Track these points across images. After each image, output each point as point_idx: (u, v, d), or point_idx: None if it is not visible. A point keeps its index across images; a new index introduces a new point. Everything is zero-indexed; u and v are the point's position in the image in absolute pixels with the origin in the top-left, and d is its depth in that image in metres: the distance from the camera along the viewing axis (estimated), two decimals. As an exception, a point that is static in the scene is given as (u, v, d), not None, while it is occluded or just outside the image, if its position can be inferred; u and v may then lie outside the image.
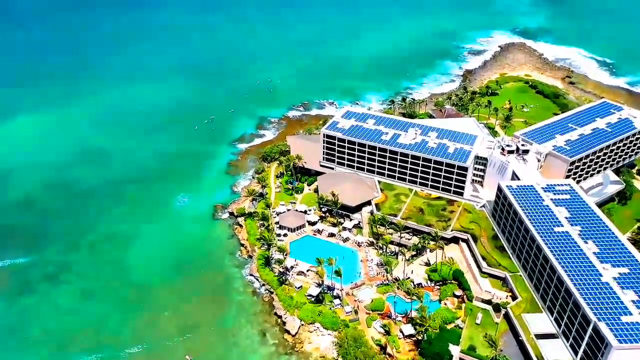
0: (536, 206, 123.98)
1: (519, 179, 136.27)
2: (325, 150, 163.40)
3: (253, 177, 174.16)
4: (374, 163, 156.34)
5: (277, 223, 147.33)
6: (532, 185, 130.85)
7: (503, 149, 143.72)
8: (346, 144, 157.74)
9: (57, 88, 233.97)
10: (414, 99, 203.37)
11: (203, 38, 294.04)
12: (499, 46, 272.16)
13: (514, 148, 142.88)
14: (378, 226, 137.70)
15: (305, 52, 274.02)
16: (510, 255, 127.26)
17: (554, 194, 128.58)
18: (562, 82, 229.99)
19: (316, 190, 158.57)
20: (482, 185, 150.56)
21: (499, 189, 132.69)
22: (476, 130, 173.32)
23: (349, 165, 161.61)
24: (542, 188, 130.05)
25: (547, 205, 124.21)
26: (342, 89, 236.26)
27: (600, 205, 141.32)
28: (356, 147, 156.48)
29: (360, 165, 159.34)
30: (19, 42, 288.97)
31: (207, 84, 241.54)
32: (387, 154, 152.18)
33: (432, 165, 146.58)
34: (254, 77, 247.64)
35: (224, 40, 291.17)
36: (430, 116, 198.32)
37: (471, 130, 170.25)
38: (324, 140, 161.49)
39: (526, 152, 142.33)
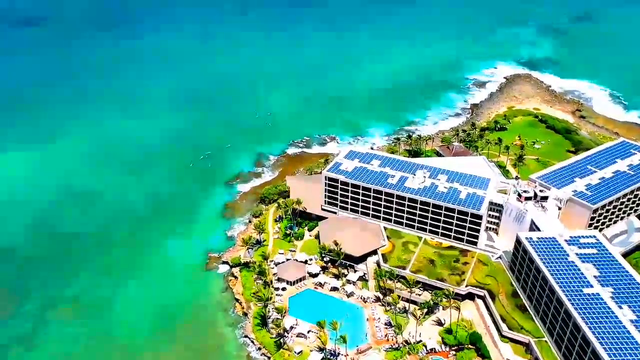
0: (561, 262, 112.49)
1: (538, 229, 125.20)
2: (327, 194, 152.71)
3: (250, 221, 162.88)
4: (379, 208, 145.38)
5: (275, 274, 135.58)
6: (554, 238, 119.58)
7: (520, 195, 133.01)
8: (349, 188, 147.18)
9: (44, 121, 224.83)
10: (419, 136, 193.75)
11: (200, 65, 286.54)
12: (505, 77, 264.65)
13: (531, 194, 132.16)
14: (386, 280, 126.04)
15: (306, 82, 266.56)
16: (534, 317, 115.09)
17: (579, 247, 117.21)
18: (572, 116, 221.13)
19: (317, 237, 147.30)
20: (497, 234, 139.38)
21: (518, 241, 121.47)
22: (487, 170, 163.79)
23: (352, 210, 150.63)
24: (566, 241, 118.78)
25: (573, 262, 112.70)
26: (344, 122, 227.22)
27: (625, 255, 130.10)
28: (360, 191, 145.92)
29: (365, 211, 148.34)
30: (4, 70, 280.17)
31: (204, 115, 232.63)
32: (394, 199, 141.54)
33: (443, 212, 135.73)
34: (253, 108, 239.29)
35: (222, 67, 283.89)
36: (438, 153, 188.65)
37: (482, 170, 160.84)
38: (325, 183, 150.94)
39: (545, 198, 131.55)
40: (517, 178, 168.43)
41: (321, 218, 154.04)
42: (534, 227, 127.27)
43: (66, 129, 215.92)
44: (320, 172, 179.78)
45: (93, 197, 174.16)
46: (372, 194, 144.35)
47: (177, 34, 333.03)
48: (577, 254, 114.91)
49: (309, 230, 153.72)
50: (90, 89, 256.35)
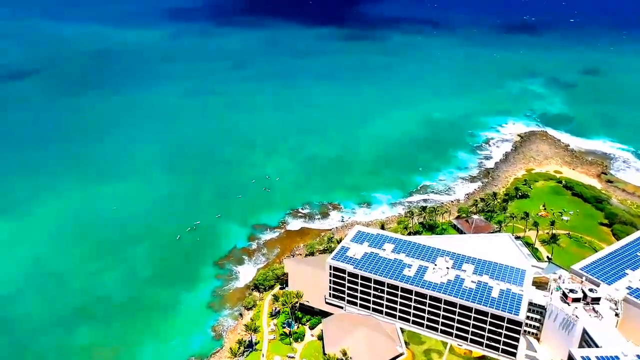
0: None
1: (593, 341, 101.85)
2: (332, 285, 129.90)
3: (241, 315, 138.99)
4: (395, 306, 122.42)
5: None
6: (617, 358, 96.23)
7: (565, 295, 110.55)
8: (359, 280, 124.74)
9: (10, 190, 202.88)
10: (434, 208, 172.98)
11: (191, 124, 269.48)
12: (519, 135, 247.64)
13: (579, 294, 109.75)
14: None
15: (307, 141, 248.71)
16: None
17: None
18: (598, 180, 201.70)
19: (320, 338, 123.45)
20: (538, 340, 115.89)
21: (571, 358, 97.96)
22: (516, 251, 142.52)
23: (362, 306, 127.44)
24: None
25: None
26: (348, 187, 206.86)
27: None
28: (372, 284, 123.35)
29: (378, 307, 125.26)
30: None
31: (194, 180, 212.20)
32: (413, 296, 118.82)
33: (472, 314, 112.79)
34: (249, 171, 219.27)
35: (214, 126, 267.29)
36: (455, 227, 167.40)
37: (510, 252, 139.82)
38: (331, 273, 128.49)
39: (597, 300, 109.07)
40: (549, 259, 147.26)
41: (325, 314, 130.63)
42: (587, 338, 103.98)
43: (37, 200, 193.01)
44: (323, 251, 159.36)
45: (61, 284, 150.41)
46: (386, 288, 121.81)
47: (167, 90, 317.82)
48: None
49: (311, 328, 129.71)
50: (69, 152, 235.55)
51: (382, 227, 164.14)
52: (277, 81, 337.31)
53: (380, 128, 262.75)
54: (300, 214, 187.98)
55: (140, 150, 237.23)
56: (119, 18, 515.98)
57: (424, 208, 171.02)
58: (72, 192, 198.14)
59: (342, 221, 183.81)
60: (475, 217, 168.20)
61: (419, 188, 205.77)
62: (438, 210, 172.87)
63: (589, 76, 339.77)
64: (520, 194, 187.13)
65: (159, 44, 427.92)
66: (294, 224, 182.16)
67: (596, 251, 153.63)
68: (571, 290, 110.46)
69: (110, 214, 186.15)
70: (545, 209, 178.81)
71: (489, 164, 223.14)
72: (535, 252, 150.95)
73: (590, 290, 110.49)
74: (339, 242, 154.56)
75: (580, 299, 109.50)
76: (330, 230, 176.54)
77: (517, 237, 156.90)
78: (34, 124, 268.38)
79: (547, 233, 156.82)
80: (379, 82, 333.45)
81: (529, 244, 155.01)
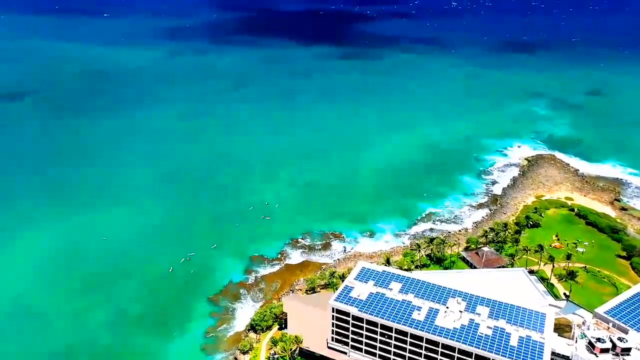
0: None
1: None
2: (335, 329, 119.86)
3: (236, 359, 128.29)
4: (404, 353, 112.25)
5: None
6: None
7: (592, 345, 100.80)
8: (364, 324, 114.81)
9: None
10: (442, 240, 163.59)
11: (189, 147, 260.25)
12: (526, 159, 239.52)
13: (608, 344, 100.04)
14: None
15: (307, 165, 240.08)
16: None
17: None
18: (612, 208, 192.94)
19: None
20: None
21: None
22: (531, 289, 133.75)
23: (368, 352, 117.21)
24: None
25: None
26: (350, 215, 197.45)
27: None
28: (378, 329, 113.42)
29: (385, 354, 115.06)
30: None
31: (190, 207, 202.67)
32: (424, 343, 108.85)
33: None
34: (247, 198, 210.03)
35: (213, 149, 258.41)
36: (465, 260, 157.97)
37: (525, 290, 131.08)
38: (333, 315, 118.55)
39: (628, 351, 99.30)
40: (566, 296, 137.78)
41: (327, 359, 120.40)
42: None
43: (21, 230, 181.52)
44: (325, 286, 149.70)
45: (40, 327, 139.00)
46: (394, 334, 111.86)
47: (163, 112, 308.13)
48: None
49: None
50: (57, 178, 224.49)
51: (388, 262, 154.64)
52: (275, 102, 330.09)
53: (382, 151, 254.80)
54: (300, 244, 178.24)
55: (133, 175, 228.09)
56: (116, 38, 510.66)
57: (431, 240, 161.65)
58: (59, 221, 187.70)
59: (345, 252, 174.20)
60: (485, 249, 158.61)
61: (424, 215, 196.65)
62: (446, 242, 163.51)
63: (594, 97, 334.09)
64: (531, 222, 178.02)
65: (155, 64, 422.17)
66: (294, 256, 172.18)
67: (615, 286, 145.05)
68: (598, 340, 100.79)
69: (99, 244, 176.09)
70: (558, 239, 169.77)
71: (497, 189, 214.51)
72: (551, 289, 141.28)
73: (620, 339, 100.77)
74: (341, 277, 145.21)
75: (609, 349, 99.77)
76: (332, 262, 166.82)
77: (531, 272, 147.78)
78: (23, 147, 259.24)
79: (564, 268, 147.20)
80: (379, 102, 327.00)
81: (544, 279, 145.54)
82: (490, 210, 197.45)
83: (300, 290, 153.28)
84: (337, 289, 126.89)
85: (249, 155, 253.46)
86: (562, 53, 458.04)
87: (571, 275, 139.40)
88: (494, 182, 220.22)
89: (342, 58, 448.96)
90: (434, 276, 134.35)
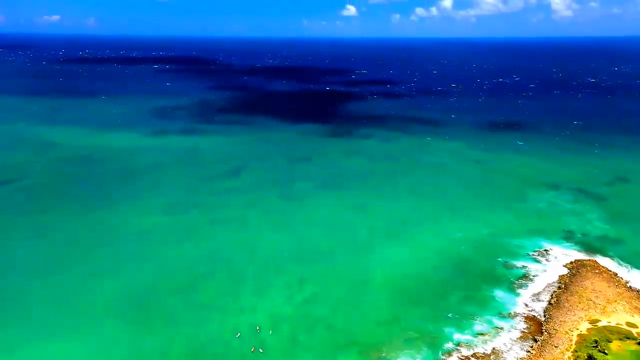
0: None
1: None
2: None
3: None
4: None
5: None
6: None
7: None
8: None
9: None
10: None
11: (171, 248, 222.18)
12: (564, 266, 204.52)
13: None
14: None
15: (307, 273, 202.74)
16: None
17: None
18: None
19: None
20: None
21: None
22: None
23: None
24: None
25: None
26: (360, 345, 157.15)
27: None
28: None
29: None
30: None
31: (164, 335, 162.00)
32: None
33: None
34: (234, 319, 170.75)
35: (199, 251, 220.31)
36: None
37: None
38: None
39: None
40: None
41: None
42: None
43: None
44: None
45: None
46: None
47: (145, 205, 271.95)
48: None
49: None
50: (7, 292, 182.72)
51: None
52: (271, 191, 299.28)
53: (393, 254, 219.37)
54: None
55: (101, 289, 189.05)
56: (103, 120, 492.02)
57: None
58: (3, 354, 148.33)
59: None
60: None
61: (452, 347, 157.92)
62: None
63: (619, 185, 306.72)
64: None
65: (142, 148, 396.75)
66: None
67: None
68: None
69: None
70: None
71: (537, 308, 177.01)
72: None
73: None
74: None
75: None
76: None
77: None
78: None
79: None
80: (386, 193, 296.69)
81: None
82: (535, 341, 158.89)
83: None
84: None
85: (240, 258, 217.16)
86: (570, 136, 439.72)
87: None
88: (532, 299, 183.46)
89: (344, 140, 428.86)
90: None
